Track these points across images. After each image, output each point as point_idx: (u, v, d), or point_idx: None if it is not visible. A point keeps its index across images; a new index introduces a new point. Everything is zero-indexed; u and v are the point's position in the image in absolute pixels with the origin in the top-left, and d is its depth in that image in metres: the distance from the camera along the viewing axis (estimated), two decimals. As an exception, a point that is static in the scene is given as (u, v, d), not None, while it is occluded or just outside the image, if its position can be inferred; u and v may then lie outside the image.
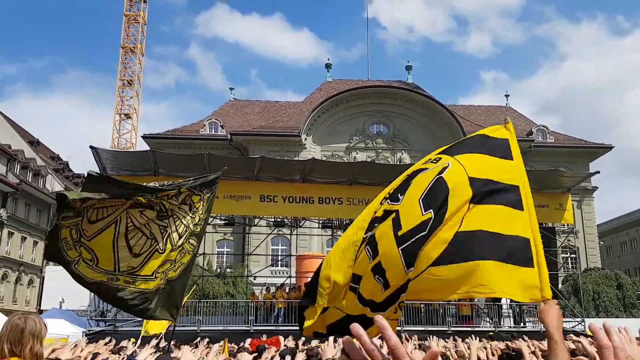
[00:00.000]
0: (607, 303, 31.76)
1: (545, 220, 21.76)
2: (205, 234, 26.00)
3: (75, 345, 6.67)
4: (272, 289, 23.45)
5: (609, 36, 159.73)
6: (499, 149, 2.78)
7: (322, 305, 2.97)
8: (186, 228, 5.42)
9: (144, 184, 5.37)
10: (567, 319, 21.23)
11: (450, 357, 6.05)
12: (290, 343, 9.01)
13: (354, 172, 20.37)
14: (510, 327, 21.01)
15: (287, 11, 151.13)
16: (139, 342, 11.67)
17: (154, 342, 8.39)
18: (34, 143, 50.10)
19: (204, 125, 45.28)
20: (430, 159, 2.91)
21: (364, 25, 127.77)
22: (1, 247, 39.82)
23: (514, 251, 2.53)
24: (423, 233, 2.58)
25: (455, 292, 2.67)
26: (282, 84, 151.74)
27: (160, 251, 5.20)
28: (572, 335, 11.22)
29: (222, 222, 26.10)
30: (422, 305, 21.35)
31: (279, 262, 36.47)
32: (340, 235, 25.97)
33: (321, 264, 3.09)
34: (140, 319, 13.77)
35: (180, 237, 5.36)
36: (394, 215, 2.73)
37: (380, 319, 1.02)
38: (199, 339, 11.93)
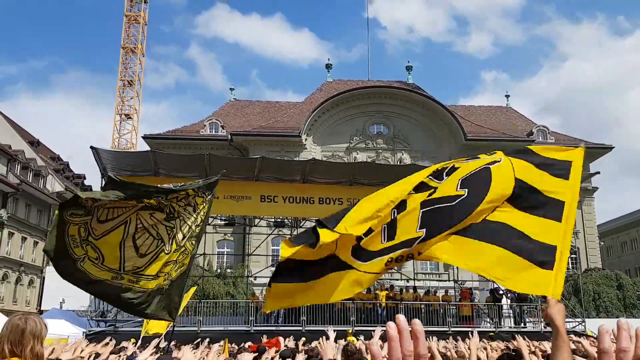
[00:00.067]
0: (607, 303, 31.77)
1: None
2: (206, 234, 26.07)
3: (76, 346, 6.67)
4: (273, 290, 23.41)
5: (610, 36, 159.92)
6: (556, 168, 2.87)
7: (338, 233, 2.90)
8: (189, 229, 5.47)
9: (159, 186, 5.40)
10: (567, 320, 21.20)
11: (451, 357, 6.05)
12: (291, 343, 9.01)
13: (354, 172, 20.39)
14: (510, 327, 21.00)
15: (287, 11, 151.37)
16: (139, 342, 11.68)
17: (154, 342, 8.39)
18: (34, 143, 50.12)
19: (205, 125, 45.31)
20: (485, 153, 3.07)
21: (364, 26, 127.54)
22: (1, 248, 39.84)
23: (536, 252, 2.63)
24: (450, 204, 2.72)
25: (465, 264, 2.78)
26: (282, 84, 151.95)
27: (166, 252, 5.25)
28: (572, 335, 11.22)
29: (223, 222, 26.11)
30: (422, 306, 21.36)
31: (279, 263, 36.44)
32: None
33: (353, 206, 3.04)
34: (140, 319, 13.79)
35: (183, 238, 5.41)
36: (432, 190, 2.86)
37: (417, 323, 1.04)
38: (199, 339, 11.95)
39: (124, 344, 9.69)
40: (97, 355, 6.03)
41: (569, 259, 36.45)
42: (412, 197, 2.87)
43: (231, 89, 53.70)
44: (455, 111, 44.63)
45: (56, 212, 4.78)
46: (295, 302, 3.26)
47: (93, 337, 15.09)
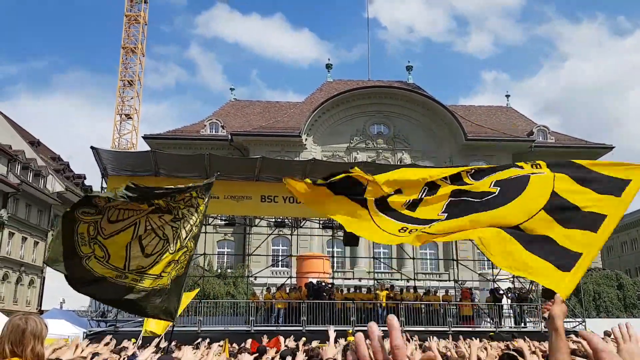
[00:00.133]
0: (607, 303, 31.78)
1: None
2: (206, 235, 25.94)
3: (76, 346, 6.67)
4: (273, 290, 23.46)
5: (610, 36, 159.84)
6: (605, 185, 2.89)
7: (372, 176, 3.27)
8: (191, 228, 5.52)
9: (168, 187, 5.46)
10: (567, 319, 21.22)
11: (451, 357, 6.06)
12: (291, 343, 9.02)
13: (354, 172, 20.36)
14: (510, 327, 20.99)
15: (287, 11, 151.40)
16: (139, 342, 11.69)
17: (154, 342, 8.40)
18: (34, 143, 50.10)
19: (205, 125, 45.34)
20: (531, 164, 3.17)
21: (365, 26, 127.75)
22: (2, 248, 39.83)
23: (558, 255, 2.68)
24: (478, 199, 2.86)
25: (487, 250, 2.87)
26: (282, 84, 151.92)
27: (171, 252, 5.32)
28: (572, 335, 11.21)
29: (223, 222, 26.09)
30: (422, 306, 21.36)
31: (280, 263, 36.49)
32: (340, 236, 25.83)
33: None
34: (140, 319, 13.81)
35: (186, 237, 5.47)
36: (466, 185, 3.03)
37: (392, 317, 1.09)
38: (199, 339, 11.96)
39: (124, 343, 9.71)
40: (97, 355, 6.03)
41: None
42: (446, 185, 3.03)
43: (231, 89, 53.85)
44: (456, 111, 44.64)
45: (61, 219, 4.87)
46: (325, 209, 3.52)
47: (93, 337, 15.09)
